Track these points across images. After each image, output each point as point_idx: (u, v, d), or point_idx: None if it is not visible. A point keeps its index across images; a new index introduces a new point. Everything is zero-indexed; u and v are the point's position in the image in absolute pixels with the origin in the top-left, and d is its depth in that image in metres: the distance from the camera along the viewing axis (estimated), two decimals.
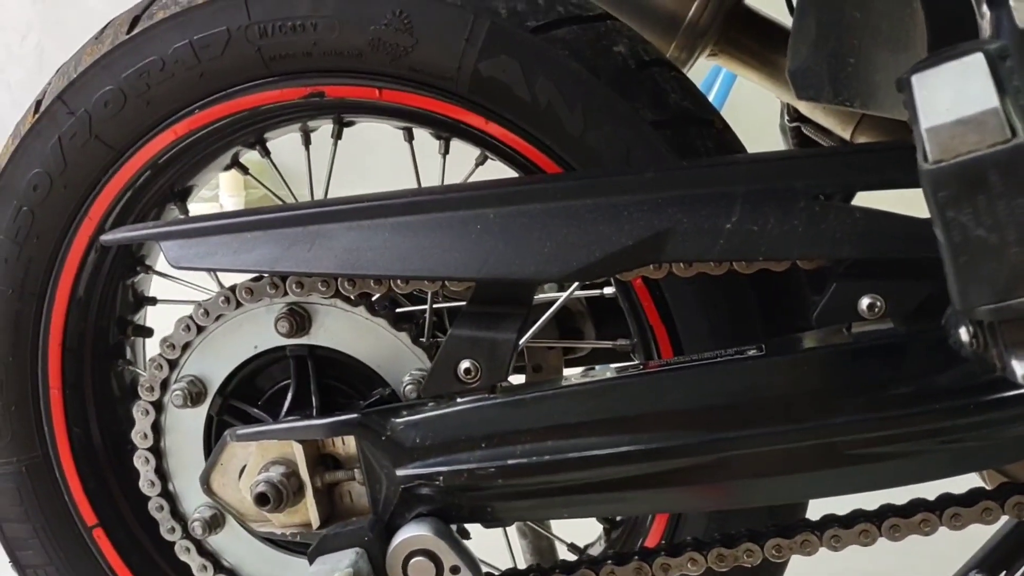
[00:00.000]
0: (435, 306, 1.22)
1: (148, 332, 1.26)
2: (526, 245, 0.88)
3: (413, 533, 0.89)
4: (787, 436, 0.83)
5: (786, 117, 1.47)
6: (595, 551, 1.21)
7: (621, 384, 0.87)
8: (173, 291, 1.23)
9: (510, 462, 0.88)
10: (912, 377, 0.82)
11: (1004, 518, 0.94)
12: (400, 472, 0.91)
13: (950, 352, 0.80)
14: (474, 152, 1.13)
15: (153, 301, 1.26)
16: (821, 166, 0.86)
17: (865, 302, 0.84)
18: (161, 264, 1.23)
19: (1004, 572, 1.37)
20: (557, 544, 1.33)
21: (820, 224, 0.83)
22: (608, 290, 1.22)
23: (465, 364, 0.91)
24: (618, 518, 1.21)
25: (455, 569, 0.88)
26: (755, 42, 1.38)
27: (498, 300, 0.91)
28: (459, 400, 0.92)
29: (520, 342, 0.91)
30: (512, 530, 1.46)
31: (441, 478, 0.90)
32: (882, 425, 0.82)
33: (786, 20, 1.25)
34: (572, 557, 1.16)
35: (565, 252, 0.87)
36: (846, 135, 1.35)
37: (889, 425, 0.81)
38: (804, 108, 1.40)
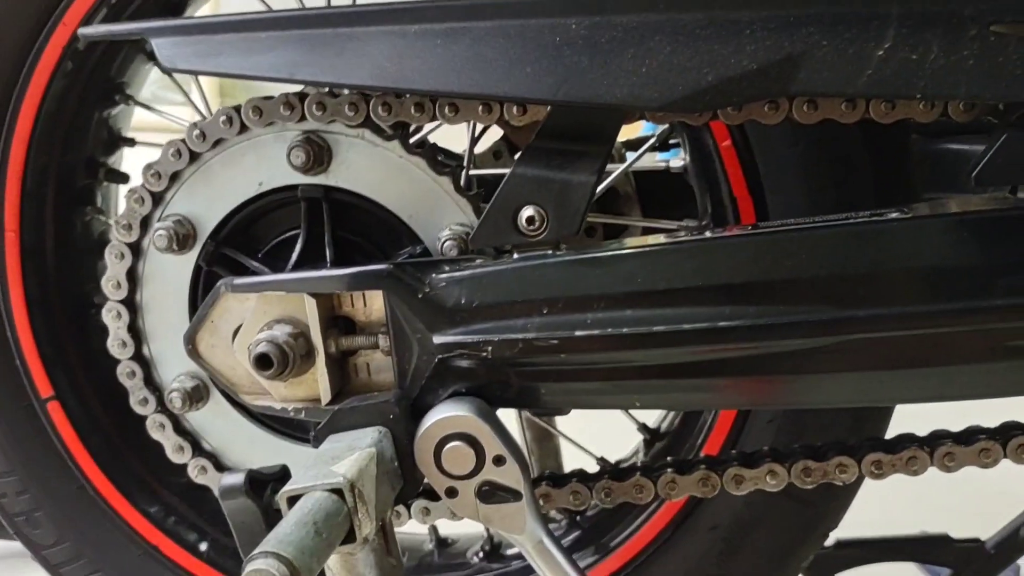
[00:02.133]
0: (475, 172, 1.04)
1: (123, 177, 1.07)
2: (617, 63, 0.70)
3: (451, 413, 0.72)
4: (933, 319, 0.66)
5: None
6: None
7: (728, 244, 0.70)
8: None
9: (578, 333, 0.71)
10: None
11: None
12: (437, 339, 0.74)
13: None
14: None
15: (131, 142, 1.06)
16: None
17: None
18: (145, 96, 1.04)
19: None
20: (577, 462, 1.17)
21: (996, 58, 0.66)
22: (675, 163, 1.04)
23: (528, 211, 0.73)
24: (662, 429, 1.05)
25: (499, 459, 0.71)
26: None
27: (575, 134, 0.73)
28: (517, 255, 0.74)
29: (600, 188, 0.73)
30: None
31: (489, 349, 0.72)
32: None
33: None
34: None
35: (668, 75, 0.69)
36: None
37: None
38: None
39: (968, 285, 0.67)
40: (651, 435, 1.05)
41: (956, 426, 0.81)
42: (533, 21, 0.72)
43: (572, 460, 1.14)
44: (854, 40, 0.68)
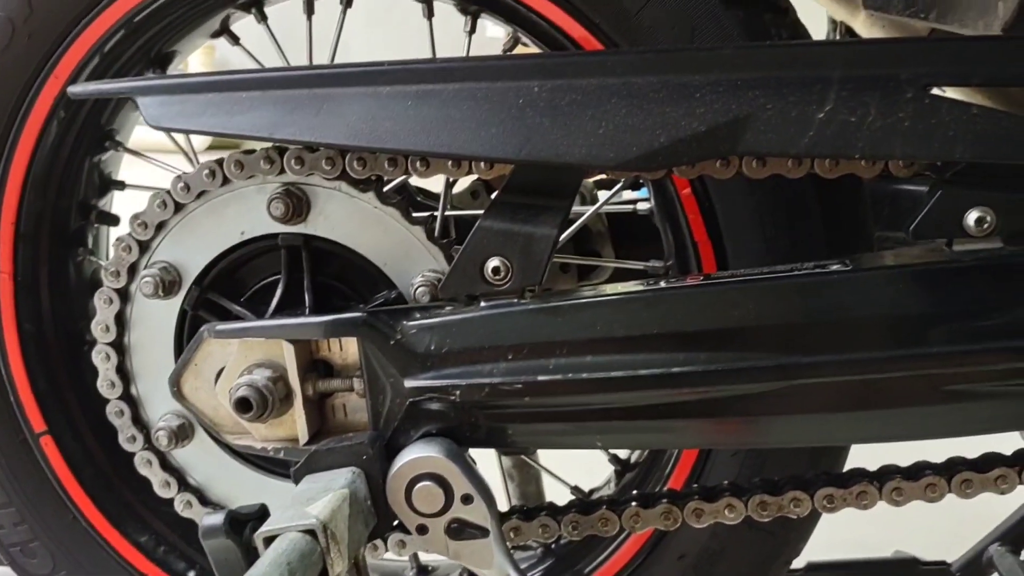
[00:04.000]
0: (451, 212, 1.08)
1: (114, 220, 1.11)
2: (577, 125, 0.74)
3: (421, 454, 0.76)
4: (873, 365, 0.71)
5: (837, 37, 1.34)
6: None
7: (681, 294, 0.74)
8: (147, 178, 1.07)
9: (540, 378, 0.75)
10: (1022, 305, 0.70)
11: None
12: (409, 383, 0.78)
13: None
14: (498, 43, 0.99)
15: (122, 185, 1.10)
16: (933, 54, 0.72)
17: (973, 216, 0.72)
18: (134, 142, 1.08)
19: None
20: (559, 489, 1.21)
21: (930, 119, 0.70)
22: (642, 206, 1.09)
23: (494, 262, 0.78)
24: (632, 460, 1.09)
25: (467, 498, 0.75)
26: None
27: (538, 190, 0.78)
28: (484, 303, 0.78)
29: (560, 240, 0.77)
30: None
31: (457, 392, 0.76)
32: (985, 359, 0.70)
33: None
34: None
35: (623, 135, 0.73)
36: None
37: (993, 360, 0.70)
38: (861, 27, 1.27)
39: (905, 334, 0.71)
40: (622, 466, 1.09)
41: (903, 460, 0.85)
42: (498, 84, 0.76)
43: (553, 485, 1.18)
44: (797, 103, 0.72)
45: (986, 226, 0.72)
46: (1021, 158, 0.70)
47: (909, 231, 0.73)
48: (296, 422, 0.81)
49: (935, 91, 0.73)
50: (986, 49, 0.72)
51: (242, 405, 0.79)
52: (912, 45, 0.76)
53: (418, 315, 0.79)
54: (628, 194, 1.18)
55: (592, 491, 1.13)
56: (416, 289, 0.85)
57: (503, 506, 0.91)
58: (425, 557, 1.15)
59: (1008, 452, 0.83)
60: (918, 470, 0.82)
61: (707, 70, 0.74)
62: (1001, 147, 0.70)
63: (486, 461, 1.12)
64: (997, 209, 0.72)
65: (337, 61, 0.92)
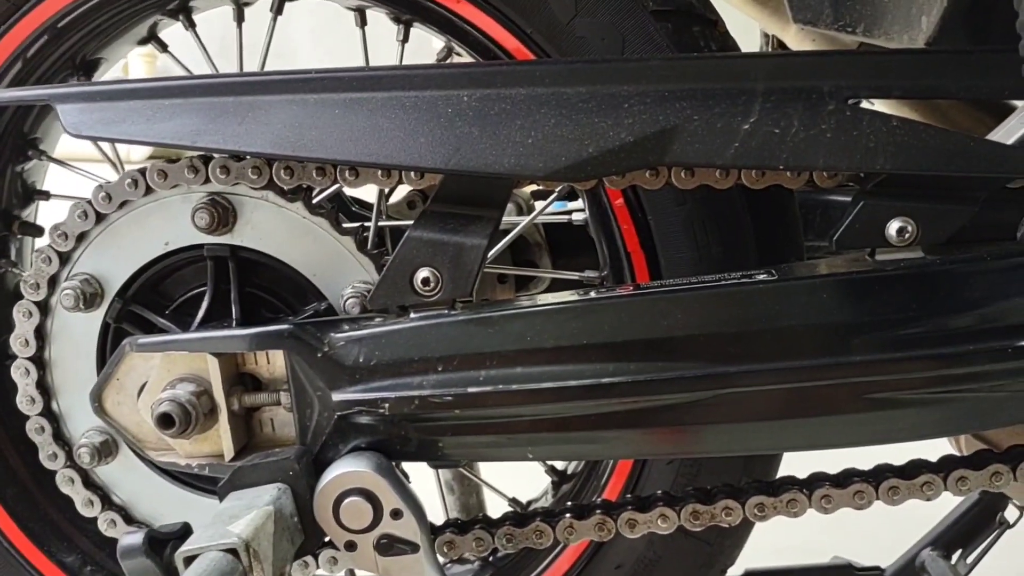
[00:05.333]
0: (384, 223, 1.07)
1: (38, 231, 1.07)
2: (506, 135, 0.74)
3: (348, 469, 0.75)
4: (799, 374, 0.71)
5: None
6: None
7: (609, 304, 0.74)
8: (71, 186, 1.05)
9: (471, 390, 0.74)
10: (943, 313, 0.71)
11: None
12: (336, 396, 0.76)
13: (991, 286, 0.70)
14: (432, 56, 0.98)
15: (46, 195, 1.07)
16: (855, 67, 0.74)
17: (895, 226, 0.73)
18: (67, 149, 1.05)
19: (960, 551, 1.32)
20: (498, 500, 1.20)
21: (852, 131, 0.72)
22: (577, 216, 1.09)
23: (423, 273, 0.77)
24: (569, 471, 1.09)
25: (396, 513, 0.74)
26: None
27: (467, 200, 0.77)
28: (413, 315, 0.77)
29: (491, 251, 0.76)
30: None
31: (386, 406, 0.75)
32: (907, 367, 0.71)
33: None
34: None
35: (552, 146, 0.73)
36: None
37: (915, 367, 0.71)
38: (792, 40, 1.29)
39: (829, 343, 0.72)
40: (559, 477, 1.08)
41: (832, 468, 0.86)
42: (427, 93, 0.76)
43: (494, 497, 1.18)
44: (723, 115, 0.73)
45: (907, 236, 0.73)
46: (940, 169, 0.71)
47: (833, 241, 0.74)
48: (221, 437, 0.79)
49: (864, 103, 0.74)
50: (904, 62, 0.73)
51: (164, 421, 0.77)
52: (834, 58, 0.77)
53: (346, 327, 0.78)
54: (572, 204, 1.18)
55: (530, 502, 1.13)
56: (346, 300, 0.83)
57: (442, 519, 0.90)
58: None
59: (934, 459, 0.85)
60: (846, 477, 0.83)
61: (635, 81, 0.74)
62: (920, 158, 0.71)
63: (427, 473, 1.11)
64: (917, 219, 0.73)
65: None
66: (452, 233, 0.77)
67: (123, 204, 0.84)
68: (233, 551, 0.65)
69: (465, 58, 0.95)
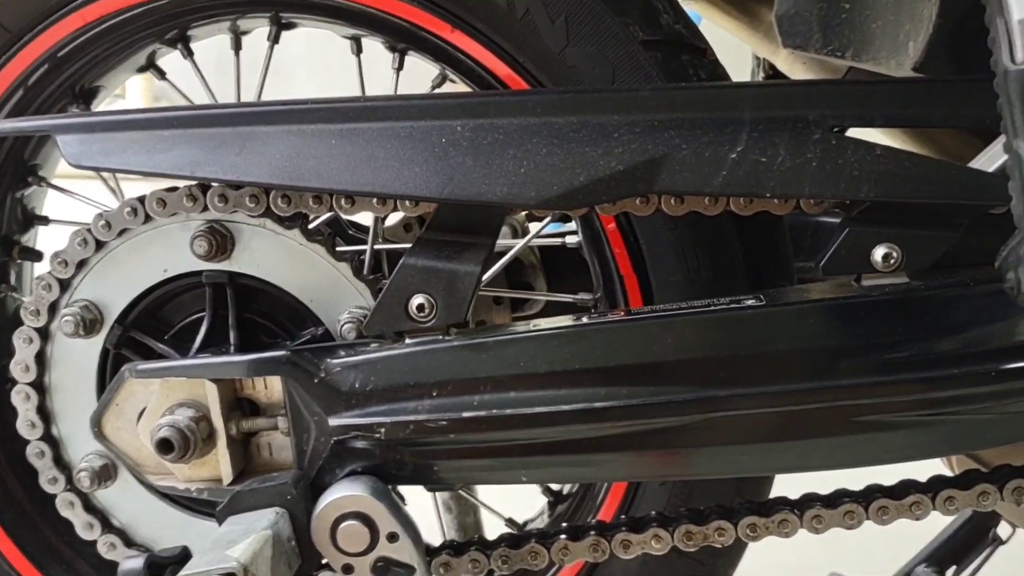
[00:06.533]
0: (380, 247, 1.08)
1: (37, 256, 1.08)
2: (499, 164, 0.75)
3: (345, 493, 0.76)
4: (788, 398, 0.73)
5: (760, 76, 1.38)
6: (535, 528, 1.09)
7: (601, 330, 0.75)
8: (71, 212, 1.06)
9: (465, 415, 0.76)
10: (929, 338, 0.73)
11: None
12: (333, 421, 0.78)
13: (974, 310, 0.71)
14: (428, 77, 1.00)
15: (45, 220, 1.09)
16: (840, 96, 0.75)
17: (880, 252, 0.75)
18: (68, 173, 1.07)
19: (954, 568, 1.32)
20: (495, 520, 1.21)
21: (836, 159, 0.73)
22: (571, 239, 1.10)
23: (418, 299, 0.78)
24: (565, 491, 1.10)
25: (392, 536, 0.75)
26: None
27: (461, 228, 0.79)
28: (408, 340, 0.79)
29: (484, 277, 0.78)
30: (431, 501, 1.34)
31: (382, 430, 0.77)
32: (893, 390, 0.72)
33: None
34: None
35: (544, 175, 0.75)
36: None
37: (901, 391, 0.72)
38: (783, 64, 1.31)
39: (817, 367, 0.73)
40: (554, 498, 1.09)
41: (823, 489, 0.87)
42: (422, 123, 0.77)
43: (491, 517, 1.18)
44: (711, 144, 0.74)
45: (892, 261, 0.75)
46: (923, 196, 0.73)
47: (819, 267, 0.76)
48: (220, 462, 0.81)
49: (850, 132, 0.75)
50: (888, 92, 0.75)
51: (164, 446, 0.79)
52: (819, 88, 0.79)
53: (343, 353, 0.79)
54: (567, 226, 1.19)
55: (527, 522, 1.14)
56: (343, 326, 0.85)
57: (439, 540, 0.91)
58: None
59: (923, 479, 0.86)
60: (837, 498, 0.84)
61: (624, 111, 0.76)
62: (904, 186, 0.73)
63: (425, 493, 1.12)
64: (902, 245, 0.75)
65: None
66: (446, 260, 0.78)
67: (122, 232, 0.86)
68: (232, 575, 0.66)
69: (459, 85, 0.97)
